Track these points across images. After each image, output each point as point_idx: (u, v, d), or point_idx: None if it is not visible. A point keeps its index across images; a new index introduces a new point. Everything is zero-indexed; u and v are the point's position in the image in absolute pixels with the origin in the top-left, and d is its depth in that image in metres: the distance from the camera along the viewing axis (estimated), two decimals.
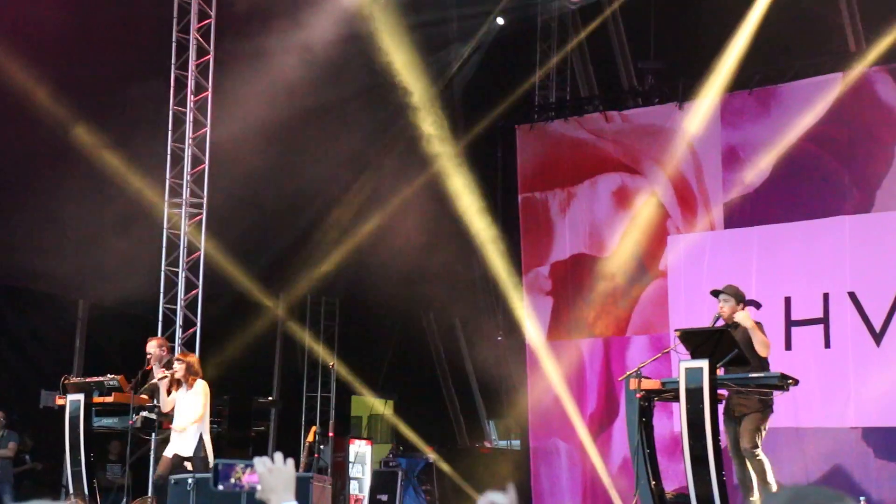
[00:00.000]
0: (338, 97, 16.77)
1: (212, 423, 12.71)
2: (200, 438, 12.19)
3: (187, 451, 12.15)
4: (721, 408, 11.10)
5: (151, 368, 13.02)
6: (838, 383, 14.41)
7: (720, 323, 11.23)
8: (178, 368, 12.35)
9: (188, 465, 12.06)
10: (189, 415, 12.18)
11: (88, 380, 13.16)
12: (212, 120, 15.42)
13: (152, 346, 13.27)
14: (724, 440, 10.97)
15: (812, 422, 14.35)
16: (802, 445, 14.37)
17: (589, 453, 16.53)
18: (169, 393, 12.40)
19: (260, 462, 3.82)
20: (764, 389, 10.81)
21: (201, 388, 12.30)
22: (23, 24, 14.21)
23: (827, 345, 14.63)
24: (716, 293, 11.35)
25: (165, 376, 12.39)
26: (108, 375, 12.95)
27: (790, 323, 14.75)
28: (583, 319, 16.90)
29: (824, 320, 14.66)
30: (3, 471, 16.11)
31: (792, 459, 14.15)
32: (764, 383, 10.76)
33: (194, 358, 12.78)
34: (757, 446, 10.90)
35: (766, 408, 10.94)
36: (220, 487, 3.92)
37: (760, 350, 10.87)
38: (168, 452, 12.30)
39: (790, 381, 10.71)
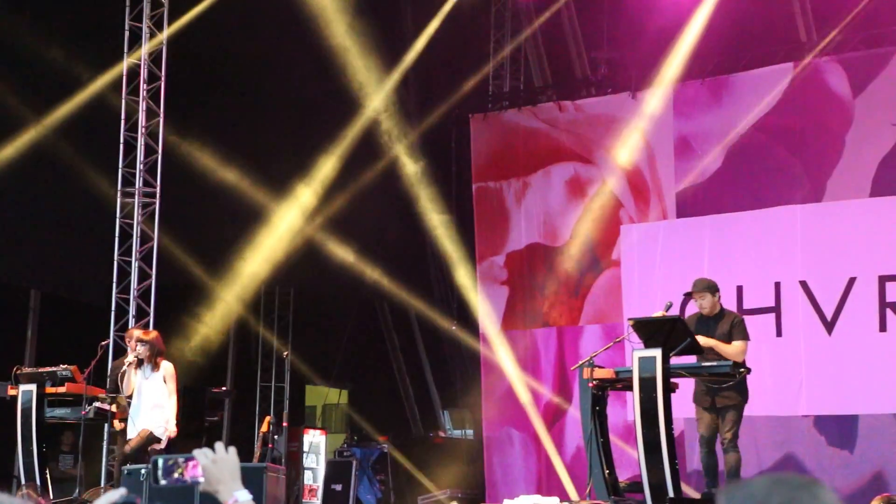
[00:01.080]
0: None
1: None
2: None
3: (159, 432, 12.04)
4: (689, 396, 11.25)
5: (104, 357, 12.94)
6: (790, 372, 14.51)
7: (683, 311, 11.35)
8: (141, 350, 12.14)
9: (158, 447, 11.90)
10: (159, 400, 12.05)
11: (41, 370, 13.04)
12: (165, 109, 15.35)
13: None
14: (678, 428, 11.05)
15: (764, 410, 14.42)
16: (755, 434, 14.44)
17: (543, 442, 16.57)
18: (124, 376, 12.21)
19: (201, 454, 3.72)
20: (722, 379, 10.92)
21: (170, 371, 12.16)
22: None
23: (779, 333, 14.72)
24: (689, 295, 11.48)
25: (131, 362, 12.16)
26: (61, 365, 12.83)
27: (742, 312, 14.83)
28: (537, 309, 16.92)
29: (776, 309, 14.75)
30: None
31: (744, 448, 14.07)
32: (716, 372, 10.86)
33: (155, 334, 12.46)
34: (737, 439, 11.07)
35: (745, 399, 11.11)
36: (164, 483, 3.84)
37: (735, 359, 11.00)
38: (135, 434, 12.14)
39: (742, 369, 10.81)
